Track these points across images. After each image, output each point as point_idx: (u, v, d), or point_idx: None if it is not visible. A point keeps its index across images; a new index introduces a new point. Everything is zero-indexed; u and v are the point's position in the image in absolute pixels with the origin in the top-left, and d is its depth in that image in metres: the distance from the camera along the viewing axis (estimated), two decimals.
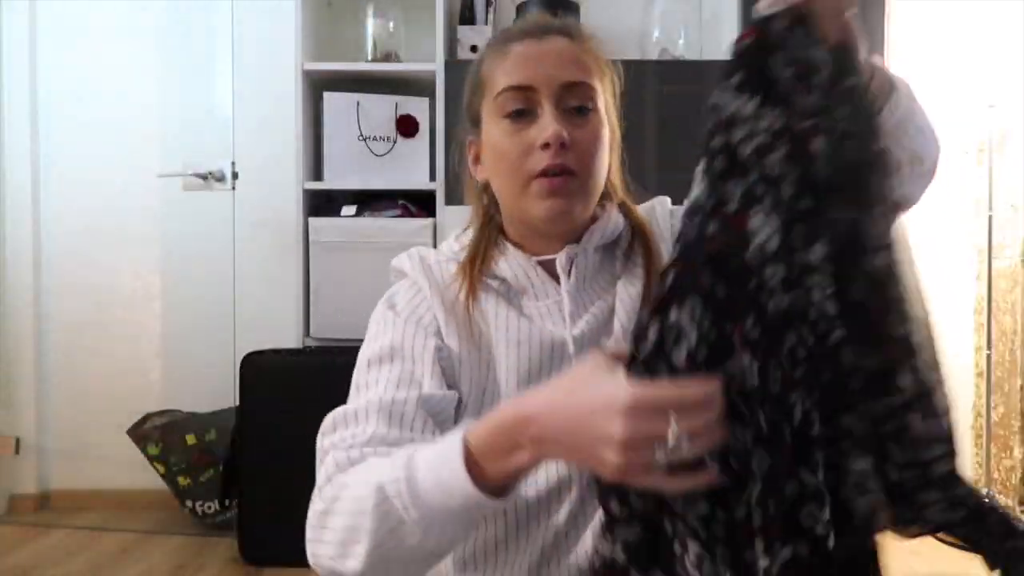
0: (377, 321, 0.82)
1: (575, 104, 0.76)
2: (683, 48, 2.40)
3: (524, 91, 0.76)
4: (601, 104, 0.79)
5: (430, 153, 2.33)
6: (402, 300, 0.83)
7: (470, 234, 0.85)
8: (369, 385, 0.76)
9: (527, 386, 0.76)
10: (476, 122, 0.81)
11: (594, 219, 0.82)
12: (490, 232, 0.83)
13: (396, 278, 0.88)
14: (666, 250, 0.83)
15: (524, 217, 0.79)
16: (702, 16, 2.50)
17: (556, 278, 0.80)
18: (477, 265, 0.81)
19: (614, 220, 0.84)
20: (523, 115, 0.76)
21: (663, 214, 0.88)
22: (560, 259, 0.80)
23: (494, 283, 0.82)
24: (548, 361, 0.78)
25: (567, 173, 0.75)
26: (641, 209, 0.88)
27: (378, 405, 0.73)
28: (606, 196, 0.84)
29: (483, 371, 0.79)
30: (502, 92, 0.76)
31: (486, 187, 0.83)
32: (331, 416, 0.76)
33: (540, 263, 0.81)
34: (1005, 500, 2.48)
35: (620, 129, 0.84)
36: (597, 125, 0.78)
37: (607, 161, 0.80)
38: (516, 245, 0.82)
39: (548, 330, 0.79)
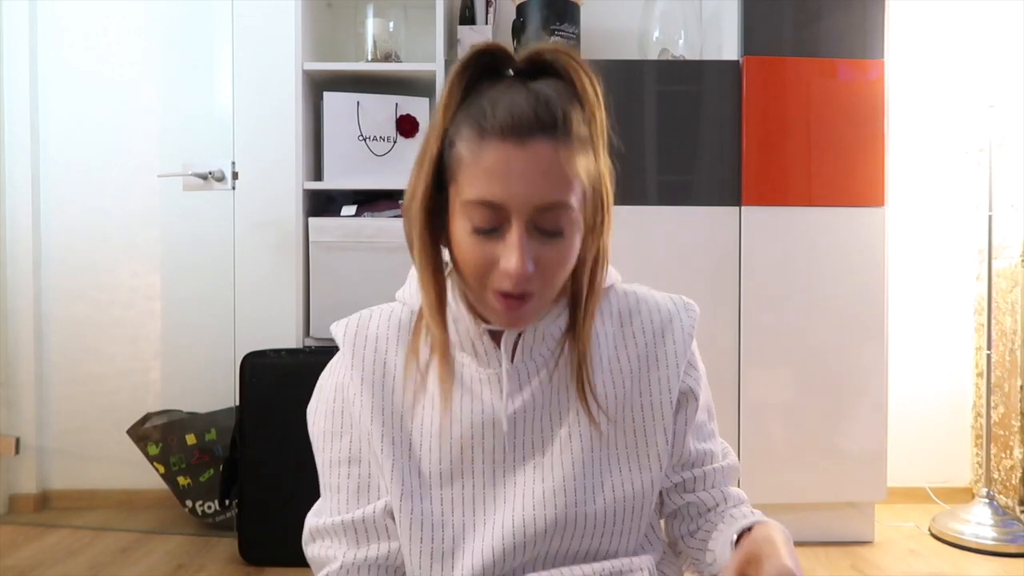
0: (327, 399, 0.83)
1: (547, 227, 0.70)
2: (683, 48, 2.40)
3: (494, 208, 0.69)
4: (578, 203, 0.72)
5: None
6: (340, 382, 0.82)
7: (413, 293, 0.82)
8: (332, 488, 0.82)
9: (449, 457, 0.77)
10: (451, 180, 0.73)
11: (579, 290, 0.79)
12: (444, 288, 0.78)
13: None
14: (668, 364, 0.82)
15: (481, 307, 0.76)
16: (702, 16, 2.50)
17: (499, 345, 0.79)
18: (432, 331, 0.77)
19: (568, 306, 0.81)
20: (491, 232, 0.70)
21: (684, 324, 0.84)
22: (506, 338, 0.78)
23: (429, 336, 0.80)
24: (479, 435, 0.78)
25: (528, 295, 0.72)
26: (664, 299, 0.85)
27: (343, 527, 0.79)
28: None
29: (405, 429, 0.79)
30: (471, 202, 0.70)
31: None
32: (307, 526, 0.83)
33: (488, 331, 0.79)
34: (1005, 500, 2.48)
35: (610, 165, 0.77)
36: (567, 242, 0.72)
37: (571, 267, 0.75)
38: (470, 309, 0.79)
39: (486, 401, 0.78)
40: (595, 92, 0.73)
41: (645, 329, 0.83)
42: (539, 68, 0.73)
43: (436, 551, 0.77)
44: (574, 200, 0.71)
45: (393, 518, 0.78)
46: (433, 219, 0.74)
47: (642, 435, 0.80)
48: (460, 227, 0.72)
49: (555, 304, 0.79)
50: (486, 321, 0.78)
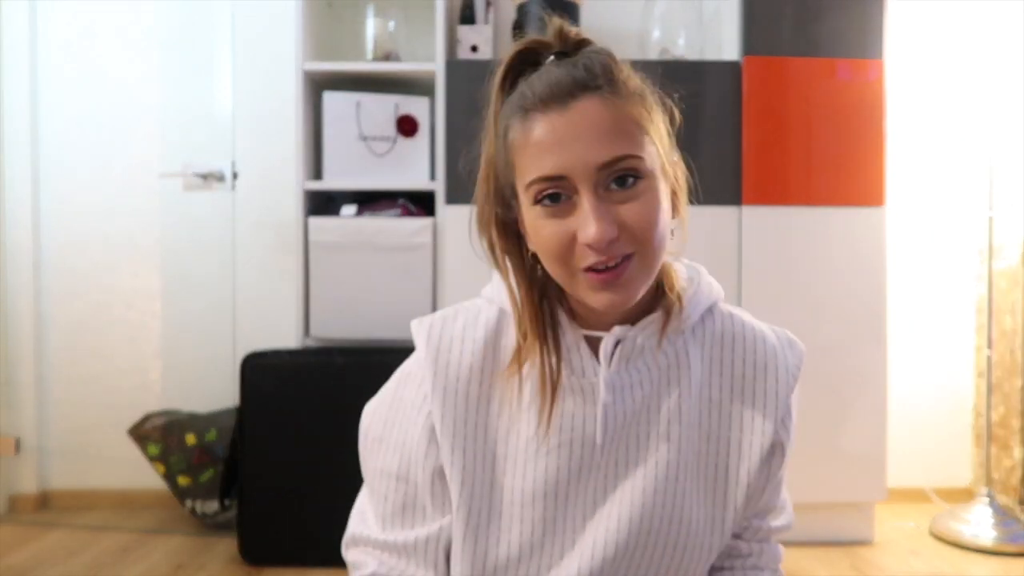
0: (386, 406, 0.80)
1: (619, 184, 0.66)
2: (683, 48, 2.40)
3: (556, 181, 0.66)
4: (651, 159, 0.68)
5: (430, 153, 2.33)
6: (405, 396, 0.78)
7: (501, 290, 0.76)
8: (379, 495, 0.79)
9: (533, 475, 0.73)
10: (513, 194, 0.71)
11: (674, 294, 0.75)
12: (544, 306, 0.74)
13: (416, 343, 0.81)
14: (766, 405, 0.76)
15: (579, 299, 0.71)
16: (702, 16, 2.50)
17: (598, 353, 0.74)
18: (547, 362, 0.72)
19: (688, 310, 0.75)
20: (558, 200, 0.66)
21: (789, 364, 0.77)
22: (606, 344, 0.73)
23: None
24: (567, 450, 0.73)
25: (623, 259, 0.66)
26: (768, 331, 0.79)
27: (385, 546, 0.78)
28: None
29: (490, 442, 0.75)
30: (532, 184, 0.67)
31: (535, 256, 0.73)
32: (351, 531, 0.82)
33: (587, 338, 0.74)
34: (1005, 500, 2.48)
35: (677, 163, 0.75)
36: (649, 193, 0.67)
37: (668, 222, 0.70)
38: (569, 313, 0.74)
39: (576, 415, 0.73)
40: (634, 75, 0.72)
41: (746, 360, 0.77)
42: (576, 43, 0.71)
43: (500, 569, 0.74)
44: (640, 150, 0.67)
45: (440, 548, 0.76)
46: (507, 227, 0.72)
47: (723, 471, 0.76)
48: (531, 216, 0.68)
49: (656, 316, 0.74)
50: (584, 326, 0.74)
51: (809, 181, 2.20)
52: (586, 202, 0.65)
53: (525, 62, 0.71)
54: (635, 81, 0.70)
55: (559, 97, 0.66)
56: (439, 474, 0.75)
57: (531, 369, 0.74)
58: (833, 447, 2.19)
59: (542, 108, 0.66)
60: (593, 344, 0.74)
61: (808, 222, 2.20)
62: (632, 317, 0.74)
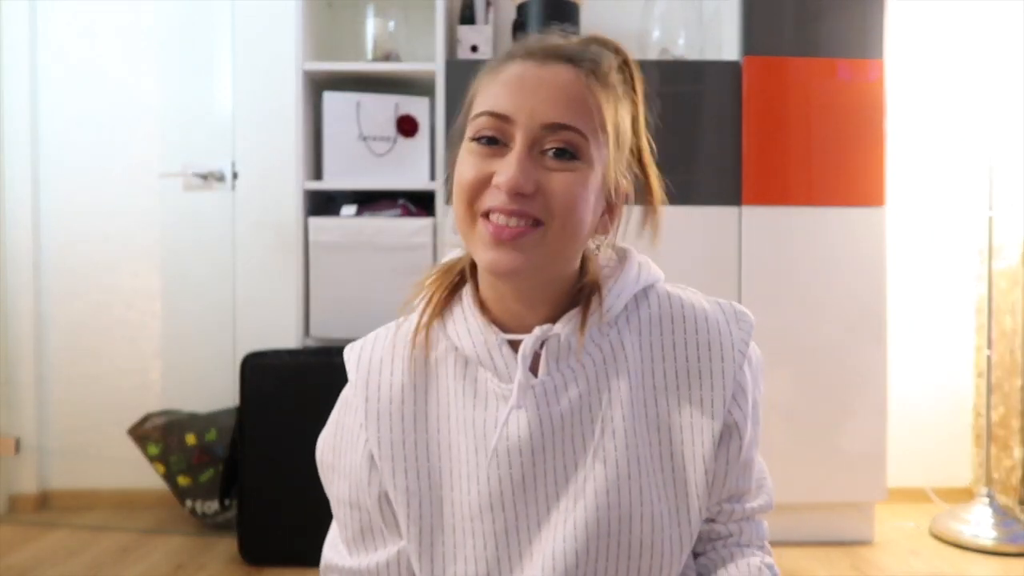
0: (332, 434, 0.79)
1: (554, 147, 0.65)
2: (683, 48, 2.40)
3: (499, 119, 0.65)
4: (596, 151, 0.66)
5: (430, 153, 2.34)
6: (346, 423, 0.77)
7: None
8: (341, 523, 0.79)
9: (477, 487, 0.70)
10: (459, 142, 0.71)
11: (592, 284, 0.72)
12: (452, 279, 0.75)
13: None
14: (713, 385, 0.72)
15: (472, 255, 0.69)
16: (702, 16, 2.50)
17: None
18: (422, 336, 0.73)
19: (611, 299, 0.72)
20: (494, 143, 0.65)
21: (735, 339, 0.73)
22: (525, 345, 0.70)
23: (448, 349, 0.73)
24: (504, 458, 0.70)
25: (524, 222, 0.64)
26: (713, 307, 0.75)
27: (357, 572, 0.76)
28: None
29: (432, 458, 0.72)
30: (478, 116, 0.66)
31: None
32: (324, 558, 0.80)
33: (509, 341, 0.71)
34: (1005, 500, 2.48)
35: (635, 180, 0.73)
36: (580, 174, 0.65)
37: (589, 214, 0.67)
38: (484, 308, 0.72)
39: (511, 421, 0.70)
40: (642, 81, 0.72)
41: (688, 341, 0.73)
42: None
43: None
44: (590, 133, 0.66)
45: (402, 569, 0.74)
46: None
47: (679, 460, 0.72)
48: (463, 152, 0.68)
49: (589, 308, 0.72)
50: (506, 330, 0.71)
51: (809, 181, 2.20)
52: (516, 151, 0.64)
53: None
54: (619, 84, 0.70)
55: (541, 55, 0.67)
56: (385, 498, 0.73)
57: (454, 367, 0.73)
58: (833, 447, 2.19)
59: (522, 56, 0.67)
60: (516, 347, 0.72)
61: (808, 222, 2.20)
62: (555, 316, 0.72)
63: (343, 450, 0.77)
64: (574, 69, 0.66)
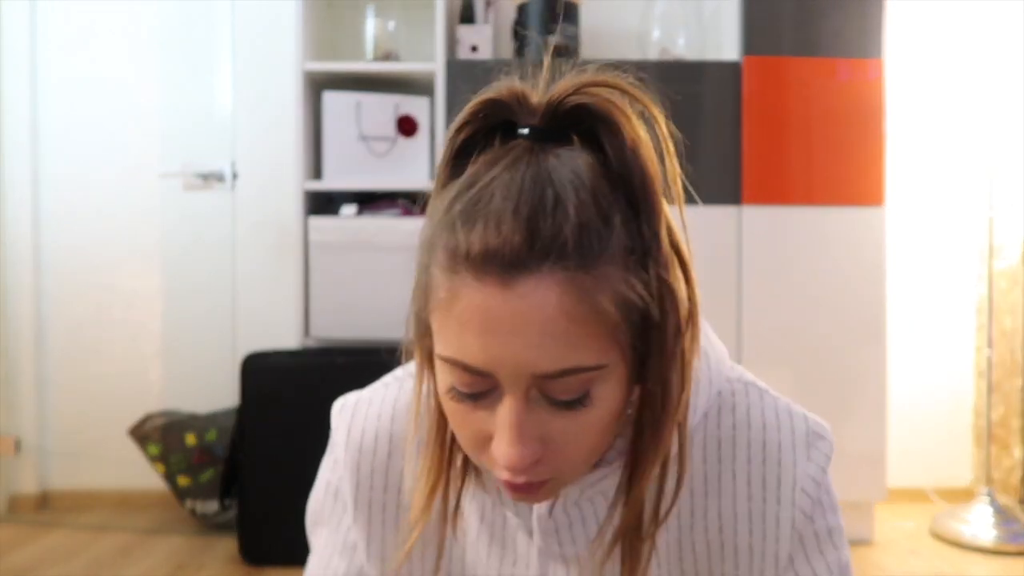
0: (317, 501, 0.69)
1: (559, 397, 0.48)
2: (683, 48, 2.40)
3: (476, 374, 0.48)
4: (612, 370, 0.49)
5: (430, 153, 2.34)
6: (325, 488, 0.67)
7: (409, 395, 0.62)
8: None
9: None
10: (428, 330, 0.52)
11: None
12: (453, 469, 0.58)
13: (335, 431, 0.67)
14: (767, 534, 0.59)
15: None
16: (702, 16, 2.50)
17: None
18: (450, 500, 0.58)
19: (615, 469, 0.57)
20: (478, 398, 0.50)
21: (798, 475, 0.58)
22: (537, 512, 0.59)
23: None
24: None
25: (538, 483, 0.51)
26: (772, 424, 0.59)
27: None
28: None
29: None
30: (448, 361, 0.49)
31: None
32: None
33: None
34: (1005, 500, 2.48)
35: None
36: (592, 418, 0.49)
37: (602, 438, 0.52)
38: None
39: (520, 554, 0.61)
40: (648, 154, 0.52)
41: (738, 472, 0.58)
42: (567, 120, 0.51)
43: None
44: (599, 358, 0.48)
45: None
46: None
47: None
48: (440, 381, 0.52)
49: (595, 474, 0.58)
50: None
51: (809, 181, 2.20)
52: (508, 409, 0.48)
53: (496, 121, 0.52)
54: (621, 234, 0.49)
55: (501, 267, 0.45)
56: None
57: (470, 501, 0.61)
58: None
59: (475, 272, 0.46)
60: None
61: (808, 222, 2.20)
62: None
63: (320, 529, 0.68)
64: (553, 275, 0.46)
